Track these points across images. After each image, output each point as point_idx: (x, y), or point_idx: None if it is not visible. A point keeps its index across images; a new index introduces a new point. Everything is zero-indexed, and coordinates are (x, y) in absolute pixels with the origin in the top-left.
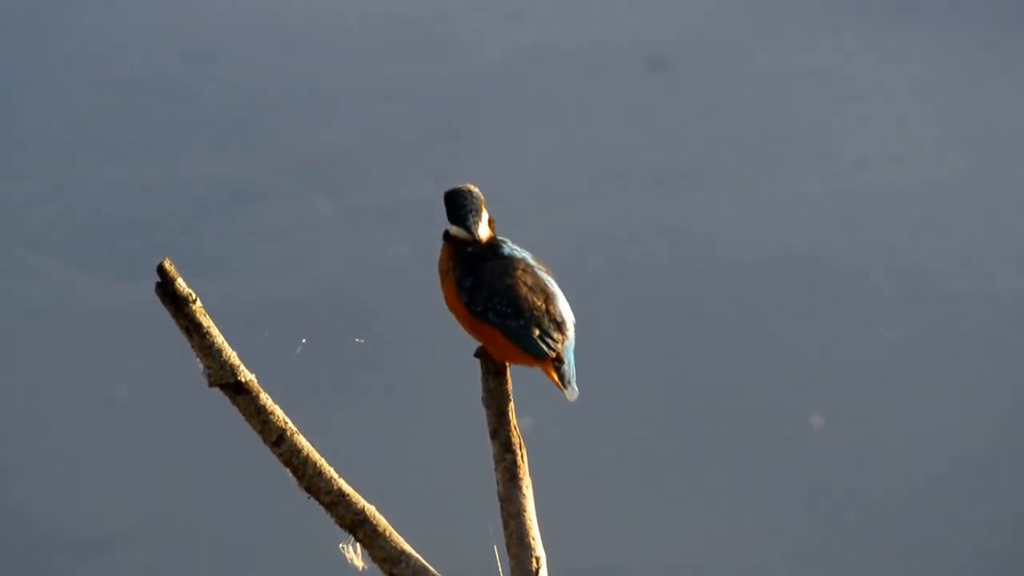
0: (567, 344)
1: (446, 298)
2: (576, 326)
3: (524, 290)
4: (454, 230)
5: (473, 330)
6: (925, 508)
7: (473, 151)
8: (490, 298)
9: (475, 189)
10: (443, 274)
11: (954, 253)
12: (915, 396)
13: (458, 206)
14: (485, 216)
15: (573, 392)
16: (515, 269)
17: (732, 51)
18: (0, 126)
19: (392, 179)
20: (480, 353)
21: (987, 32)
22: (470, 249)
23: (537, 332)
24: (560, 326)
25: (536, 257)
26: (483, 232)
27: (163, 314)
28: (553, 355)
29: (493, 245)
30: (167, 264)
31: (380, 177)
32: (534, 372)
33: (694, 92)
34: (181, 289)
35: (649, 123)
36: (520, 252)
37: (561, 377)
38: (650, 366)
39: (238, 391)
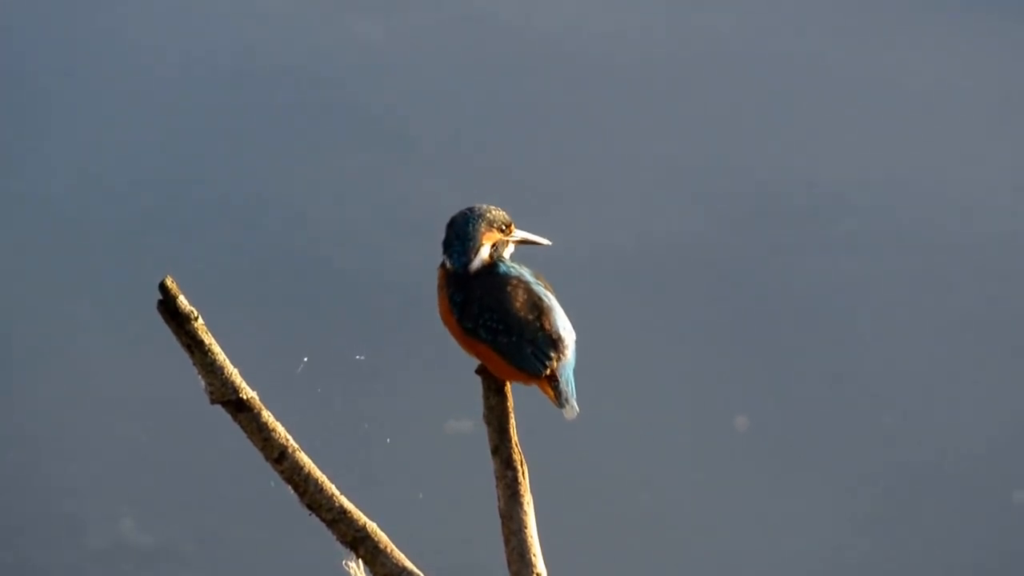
0: (564, 362)
1: (440, 312)
2: (576, 343)
3: (515, 306)
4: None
5: (466, 346)
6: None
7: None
8: (480, 314)
9: (488, 214)
10: (439, 287)
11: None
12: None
13: (449, 234)
14: (486, 248)
15: (572, 410)
16: (506, 285)
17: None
18: None
19: None
20: (481, 370)
21: None
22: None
23: (529, 349)
24: (556, 343)
25: (536, 274)
26: (475, 264)
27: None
28: (547, 372)
29: (490, 263)
30: (169, 282)
31: None
32: (532, 389)
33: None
34: (183, 306)
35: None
36: (516, 270)
37: (558, 395)
38: (654, 377)
39: (240, 408)
